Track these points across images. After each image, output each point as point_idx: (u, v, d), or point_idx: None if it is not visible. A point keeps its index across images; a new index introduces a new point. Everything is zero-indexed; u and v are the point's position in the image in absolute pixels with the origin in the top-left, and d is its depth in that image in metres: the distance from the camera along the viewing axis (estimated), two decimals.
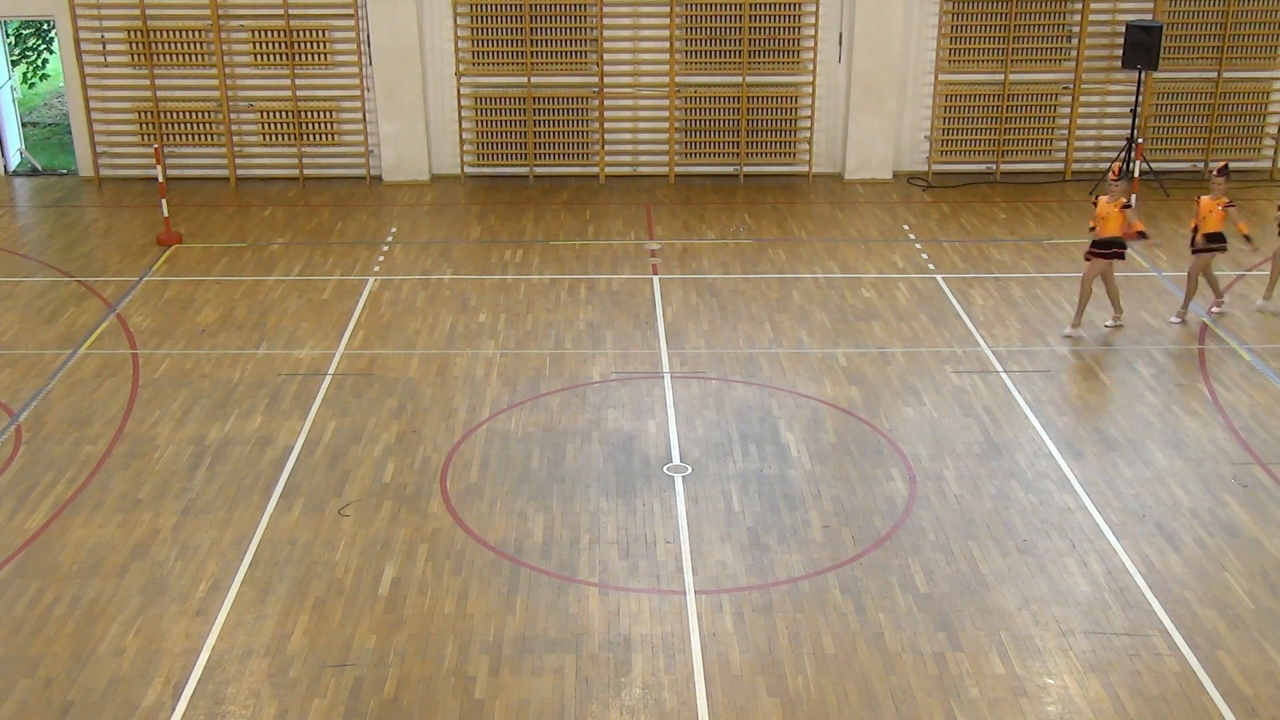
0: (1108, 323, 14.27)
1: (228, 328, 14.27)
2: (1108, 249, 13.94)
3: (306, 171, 19.58)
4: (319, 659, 8.94)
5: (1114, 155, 19.32)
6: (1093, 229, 14.05)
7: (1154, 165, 19.09)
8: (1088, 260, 14.07)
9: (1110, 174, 14.14)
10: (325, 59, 19.14)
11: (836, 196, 18.88)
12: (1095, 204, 14.12)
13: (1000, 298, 14.92)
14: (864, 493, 10.98)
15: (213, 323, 14.41)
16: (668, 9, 18.94)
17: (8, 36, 21.49)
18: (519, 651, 9.00)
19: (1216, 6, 19.05)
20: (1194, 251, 14.36)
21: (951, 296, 14.86)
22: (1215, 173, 14.33)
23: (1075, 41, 19.15)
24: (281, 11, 18.87)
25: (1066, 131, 19.52)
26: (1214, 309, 14.58)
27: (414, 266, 16.11)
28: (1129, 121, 19.24)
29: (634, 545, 10.22)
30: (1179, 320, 14.38)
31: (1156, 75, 19.14)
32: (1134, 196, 14.53)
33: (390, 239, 17.12)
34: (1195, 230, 14.31)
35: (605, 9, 18.93)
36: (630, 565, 9.96)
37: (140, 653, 9.00)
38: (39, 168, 20.30)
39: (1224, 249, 14.32)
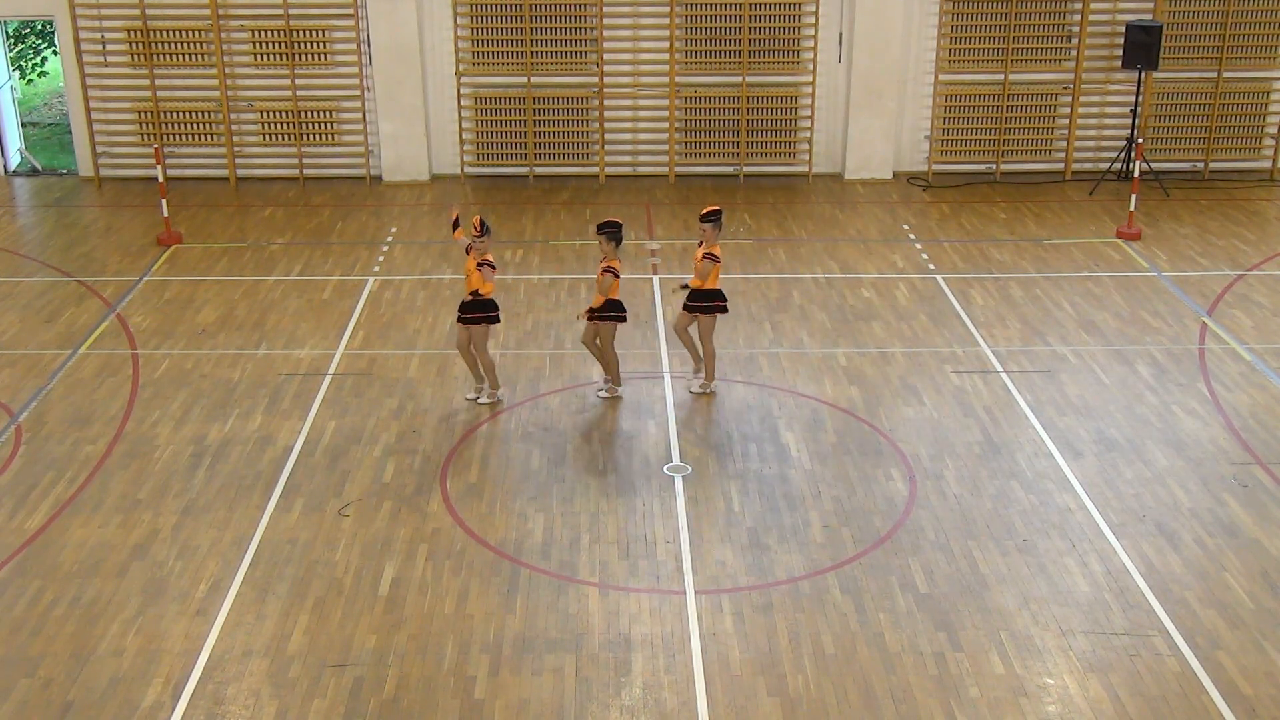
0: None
1: (228, 328, 14.27)
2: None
3: (306, 171, 19.58)
4: (319, 659, 8.94)
5: (1114, 155, 19.36)
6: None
7: (1154, 165, 19.11)
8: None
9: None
10: (325, 59, 19.15)
11: (836, 196, 18.88)
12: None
13: (1000, 298, 14.92)
14: (864, 493, 10.98)
15: (213, 323, 14.40)
16: (668, 9, 18.94)
17: (8, 37, 21.48)
18: (519, 651, 9.00)
19: (1216, 6, 19.05)
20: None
21: (951, 296, 14.86)
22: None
23: (1075, 41, 19.15)
24: (281, 11, 18.87)
25: (1066, 131, 19.52)
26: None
27: (414, 266, 16.11)
28: (1129, 121, 19.25)
29: (634, 545, 10.22)
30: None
31: (1156, 75, 19.14)
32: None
33: (390, 239, 17.12)
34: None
35: (605, 9, 18.93)
36: (630, 565, 9.96)
37: (140, 653, 9.00)
38: (39, 168, 20.30)
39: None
